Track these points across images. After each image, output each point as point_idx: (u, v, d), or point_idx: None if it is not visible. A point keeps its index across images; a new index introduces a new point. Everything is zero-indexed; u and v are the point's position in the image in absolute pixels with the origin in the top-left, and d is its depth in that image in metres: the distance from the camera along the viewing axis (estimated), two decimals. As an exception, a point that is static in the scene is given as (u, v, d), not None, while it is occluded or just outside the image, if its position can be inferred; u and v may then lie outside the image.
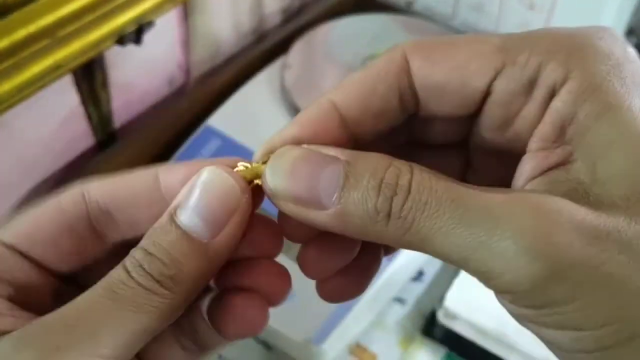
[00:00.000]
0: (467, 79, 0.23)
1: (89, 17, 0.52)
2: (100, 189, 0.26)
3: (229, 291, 0.26)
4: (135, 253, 0.23)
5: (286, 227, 0.25)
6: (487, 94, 0.23)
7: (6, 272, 0.25)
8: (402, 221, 0.21)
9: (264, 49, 0.71)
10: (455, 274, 0.60)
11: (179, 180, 0.25)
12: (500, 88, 0.23)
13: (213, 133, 0.62)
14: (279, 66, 0.66)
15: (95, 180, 0.27)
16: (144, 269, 0.22)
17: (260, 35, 0.80)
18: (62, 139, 0.61)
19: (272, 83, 0.66)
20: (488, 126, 0.24)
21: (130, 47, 0.59)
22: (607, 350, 0.20)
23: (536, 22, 0.69)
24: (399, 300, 0.61)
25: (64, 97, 0.59)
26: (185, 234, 0.23)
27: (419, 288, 0.62)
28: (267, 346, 0.57)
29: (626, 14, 0.66)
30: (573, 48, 0.22)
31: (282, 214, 0.24)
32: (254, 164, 0.25)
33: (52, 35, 0.50)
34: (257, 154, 0.25)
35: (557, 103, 0.22)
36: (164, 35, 0.67)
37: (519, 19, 0.70)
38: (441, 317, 0.56)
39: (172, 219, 0.23)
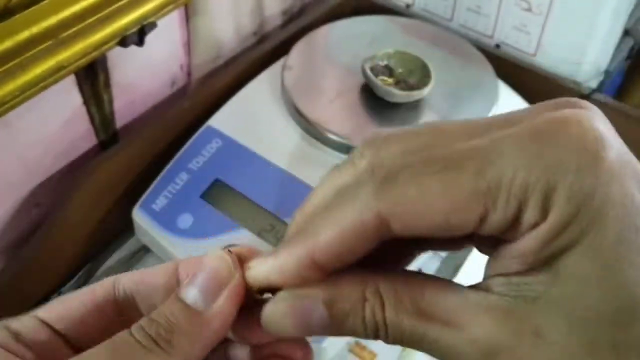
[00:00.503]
0: (452, 230, 0.23)
1: (92, 19, 0.53)
2: (128, 279, 0.30)
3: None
4: (141, 320, 0.26)
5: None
6: (473, 232, 0.24)
7: (35, 343, 0.28)
8: (389, 343, 0.25)
9: (264, 51, 0.72)
10: (453, 273, 0.60)
11: (194, 269, 0.28)
12: (488, 229, 0.23)
13: (214, 133, 0.63)
14: (280, 67, 0.66)
15: (126, 273, 0.30)
16: (144, 330, 0.26)
17: (261, 37, 0.81)
18: (64, 139, 0.62)
19: (272, 84, 0.66)
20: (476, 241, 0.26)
21: (133, 48, 0.59)
22: None
23: (533, 24, 0.69)
24: (398, 299, 0.61)
25: (67, 97, 0.60)
26: (184, 304, 0.26)
27: (418, 287, 0.62)
28: (268, 344, 0.58)
29: (622, 15, 0.66)
30: (547, 189, 0.22)
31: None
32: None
33: (55, 37, 0.51)
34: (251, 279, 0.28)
35: (535, 233, 0.22)
36: (166, 37, 0.67)
37: (516, 20, 0.71)
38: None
39: (176, 294, 0.27)
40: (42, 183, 0.61)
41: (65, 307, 0.29)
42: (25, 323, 0.28)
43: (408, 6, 0.79)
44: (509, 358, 0.22)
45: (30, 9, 0.48)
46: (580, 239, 0.22)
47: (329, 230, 0.24)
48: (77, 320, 0.29)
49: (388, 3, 0.79)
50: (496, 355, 0.22)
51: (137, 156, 0.63)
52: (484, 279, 0.25)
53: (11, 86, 0.49)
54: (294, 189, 0.58)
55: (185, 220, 0.58)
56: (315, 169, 0.59)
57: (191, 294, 0.26)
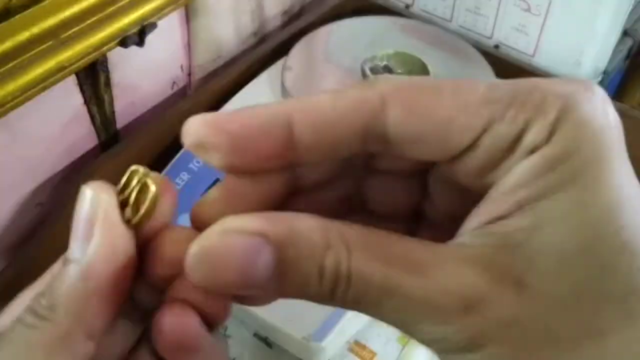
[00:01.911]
0: (451, 134, 0.21)
1: (92, 19, 0.53)
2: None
3: (164, 306, 0.23)
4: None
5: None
6: (470, 146, 0.22)
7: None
8: (346, 304, 0.21)
9: (264, 51, 0.72)
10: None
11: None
12: (486, 143, 0.21)
13: (214, 134, 0.63)
14: (280, 68, 0.66)
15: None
16: (30, 307, 0.22)
17: (261, 38, 0.81)
18: (65, 139, 0.62)
19: (272, 84, 0.66)
20: (461, 170, 0.23)
21: (133, 49, 0.59)
22: None
23: (533, 24, 0.70)
24: (398, 298, 0.61)
25: (68, 98, 0.60)
26: (63, 262, 0.22)
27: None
28: (268, 343, 0.58)
29: (621, 16, 0.66)
30: (562, 110, 0.21)
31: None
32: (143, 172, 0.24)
33: (56, 37, 0.51)
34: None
35: (526, 163, 0.21)
36: (167, 37, 0.68)
37: (515, 21, 0.71)
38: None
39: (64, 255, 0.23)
40: (43, 183, 0.61)
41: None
42: None
43: (407, 7, 0.79)
44: (489, 309, 0.20)
45: (31, 10, 0.48)
46: (576, 177, 0.20)
47: (323, 95, 0.22)
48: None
49: (387, 4, 0.79)
50: (475, 307, 0.20)
51: (138, 156, 0.63)
52: (454, 238, 0.22)
53: (12, 87, 0.49)
54: (293, 189, 0.58)
55: (186, 220, 0.58)
56: (315, 168, 0.59)
57: (72, 248, 0.22)
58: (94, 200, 0.22)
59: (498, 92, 0.21)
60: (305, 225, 0.21)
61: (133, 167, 0.24)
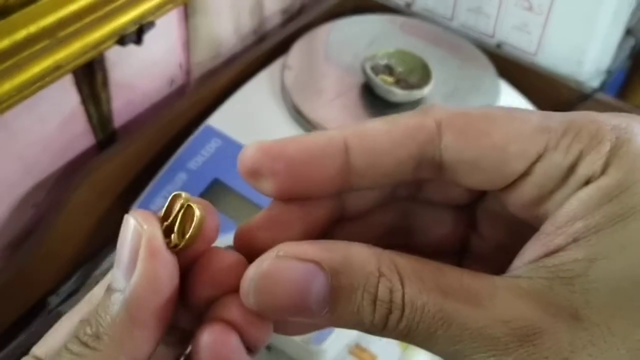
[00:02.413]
0: (506, 161, 0.22)
1: (90, 18, 0.53)
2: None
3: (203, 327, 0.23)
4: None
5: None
6: (523, 174, 0.22)
7: None
8: (397, 334, 0.21)
9: (264, 50, 0.72)
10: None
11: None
12: (540, 171, 0.22)
13: (213, 133, 0.62)
14: (279, 67, 0.66)
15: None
16: (75, 336, 0.22)
17: (260, 36, 0.81)
18: (62, 138, 0.61)
19: (272, 83, 0.66)
20: (513, 201, 0.23)
21: (131, 48, 0.59)
22: None
23: (534, 23, 0.69)
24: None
25: (65, 97, 0.59)
26: (107, 291, 0.23)
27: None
28: (267, 346, 0.57)
29: (624, 15, 0.66)
30: (617, 141, 0.21)
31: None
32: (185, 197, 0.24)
33: (53, 36, 0.50)
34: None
35: (582, 194, 0.21)
36: (165, 36, 0.67)
37: (517, 20, 0.70)
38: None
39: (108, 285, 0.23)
40: (40, 183, 0.61)
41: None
42: None
43: (408, 5, 0.79)
44: (544, 341, 0.20)
45: (28, 8, 0.48)
46: (634, 209, 0.20)
47: (377, 122, 0.22)
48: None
49: (388, 2, 0.79)
50: (530, 339, 0.20)
51: (136, 156, 0.63)
52: (508, 271, 0.22)
53: (8, 85, 0.49)
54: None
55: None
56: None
57: (116, 277, 0.22)
58: (137, 230, 0.22)
59: (552, 121, 0.22)
60: (358, 254, 0.21)
61: (175, 193, 0.24)
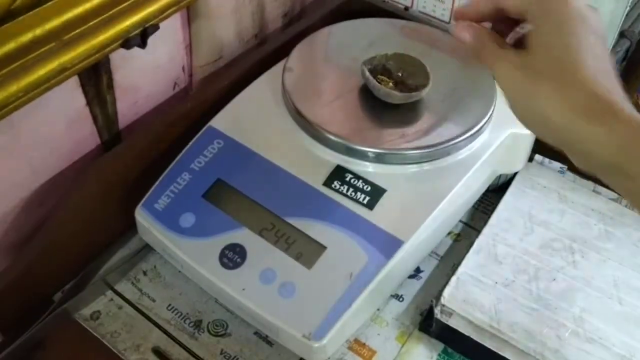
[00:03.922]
0: None
1: (95, 21, 0.53)
2: None
3: None
4: None
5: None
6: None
7: None
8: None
9: (265, 53, 0.72)
10: (451, 272, 0.61)
11: None
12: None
13: (216, 134, 0.63)
14: (280, 69, 0.67)
15: None
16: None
17: (262, 40, 0.81)
18: (68, 139, 0.62)
19: (273, 86, 0.66)
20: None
21: (135, 50, 0.60)
22: None
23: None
24: (397, 297, 0.62)
25: (70, 99, 0.60)
26: None
27: (416, 285, 0.63)
28: (268, 342, 0.58)
29: (618, 17, 0.67)
30: None
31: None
32: None
33: (59, 39, 0.51)
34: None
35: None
36: (168, 39, 0.68)
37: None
38: (438, 314, 0.57)
39: None
40: (45, 183, 0.62)
41: None
42: None
43: (407, 9, 0.80)
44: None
45: (34, 11, 0.48)
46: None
47: None
48: None
49: (387, 5, 0.80)
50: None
51: (140, 156, 0.64)
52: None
53: (15, 87, 0.50)
54: (294, 189, 0.59)
55: (188, 219, 0.59)
56: (315, 169, 0.60)
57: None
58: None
59: None
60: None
61: None
